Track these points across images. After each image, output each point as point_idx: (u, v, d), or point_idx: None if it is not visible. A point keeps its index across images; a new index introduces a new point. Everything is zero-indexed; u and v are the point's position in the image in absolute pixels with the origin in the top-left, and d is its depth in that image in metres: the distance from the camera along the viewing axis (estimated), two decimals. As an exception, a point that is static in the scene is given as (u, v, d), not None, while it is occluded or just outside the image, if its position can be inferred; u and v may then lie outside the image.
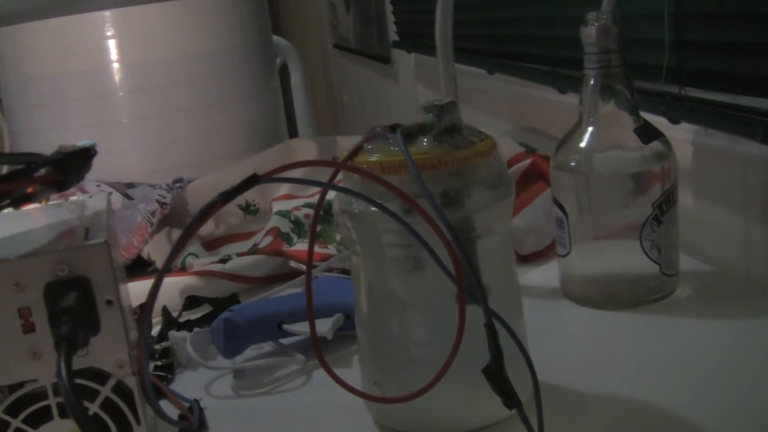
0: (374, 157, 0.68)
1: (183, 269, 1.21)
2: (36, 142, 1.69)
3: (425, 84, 2.61)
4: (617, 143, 0.94)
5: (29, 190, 0.62)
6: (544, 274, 1.06)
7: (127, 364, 0.62)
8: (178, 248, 0.59)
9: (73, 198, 0.76)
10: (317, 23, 4.63)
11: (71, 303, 0.58)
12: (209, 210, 0.59)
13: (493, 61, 1.77)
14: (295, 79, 2.33)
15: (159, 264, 1.25)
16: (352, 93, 4.12)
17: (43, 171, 0.63)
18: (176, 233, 1.31)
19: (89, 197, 0.77)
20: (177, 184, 1.36)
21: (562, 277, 0.99)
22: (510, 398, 0.59)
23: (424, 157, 0.66)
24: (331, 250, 1.18)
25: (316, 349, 0.70)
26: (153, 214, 1.30)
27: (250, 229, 1.36)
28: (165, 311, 1.00)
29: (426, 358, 0.70)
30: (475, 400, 0.71)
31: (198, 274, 1.13)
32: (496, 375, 0.59)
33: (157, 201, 1.31)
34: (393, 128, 0.68)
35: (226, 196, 0.59)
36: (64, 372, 0.53)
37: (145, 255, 1.26)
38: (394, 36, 2.77)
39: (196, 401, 0.83)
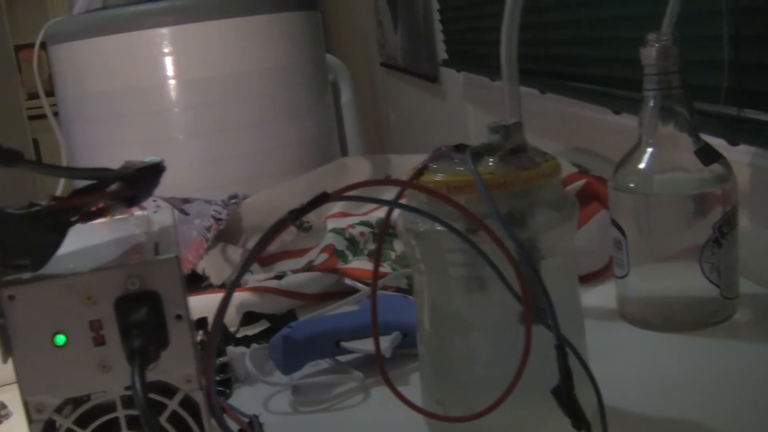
0: (439, 177, 0.68)
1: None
2: (92, 156, 1.71)
3: (474, 103, 2.61)
4: (677, 165, 0.94)
5: (100, 204, 0.63)
6: (601, 296, 1.05)
7: (194, 379, 0.63)
8: (248, 263, 0.60)
9: (138, 213, 0.77)
10: (364, 41, 4.65)
11: (143, 317, 0.59)
12: (279, 227, 0.60)
13: (545, 81, 1.77)
14: (346, 97, 2.34)
15: (213, 280, 1.26)
16: (399, 111, 4.12)
17: (114, 186, 0.63)
18: (231, 249, 1.32)
19: (154, 212, 0.78)
20: (232, 200, 1.37)
21: (619, 298, 0.99)
22: (579, 420, 0.59)
23: (490, 177, 0.66)
24: (386, 268, 1.19)
25: (381, 366, 0.70)
26: (208, 229, 1.31)
27: (304, 246, 1.37)
28: (223, 327, 1.01)
29: (489, 377, 0.71)
30: (538, 421, 0.71)
31: (254, 290, 1.14)
32: (565, 396, 0.59)
33: (212, 216, 1.32)
34: (458, 148, 0.69)
35: (296, 214, 0.60)
36: (138, 385, 0.54)
37: (199, 270, 1.27)
38: (443, 54, 2.77)
39: (256, 416, 0.83)
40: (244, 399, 0.90)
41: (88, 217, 0.62)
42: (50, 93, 1.84)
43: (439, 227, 0.67)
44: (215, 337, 0.61)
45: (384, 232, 0.68)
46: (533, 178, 0.67)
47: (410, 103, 3.75)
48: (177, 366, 0.62)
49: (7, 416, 0.95)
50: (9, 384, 1.03)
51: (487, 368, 0.71)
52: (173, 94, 1.64)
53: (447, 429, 0.74)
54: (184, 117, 1.65)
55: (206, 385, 0.63)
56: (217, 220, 1.32)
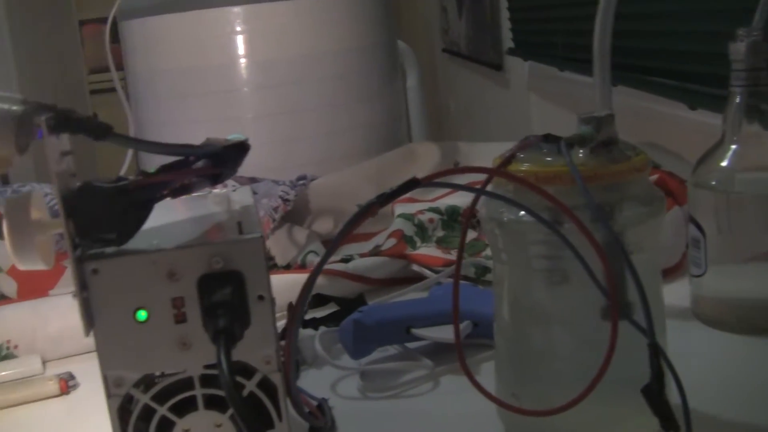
0: (526, 166, 0.67)
1: (303, 266, 1.22)
2: (161, 133, 1.71)
3: (539, 93, 2.59)
4: (761, 164, 0.92)
5: (186, 181, 0.63)
6: (673, 293, 1.02)
7: (274, 361, 0.63)
8: (336, 245, 0.60)
9: (216, 191, 0.77)
10: (427, 27, 4.63)
11: (228, 296, 0.59)
12: (367, 211, 0.59)
13: (618, 74, 1.74)
14: (411, 81, 2.33)
15: (278, 260, 1.25)
16: (459, 99, 4.10)
17: (200, 163, 0.63)
18: (297, 230, 1.32)
19: (233, 190, 0.78)
20: (300, 182, 1.37)
21: (693, 297, 0.97)
22: (669, 421, 0.58)
23: (580, 170, 0.64)
24: (453, 256, 1.18)
25: (460, 355, 0.69)
26: (276, 210, 1.30)
27: (370, 231, 1.36)
28: (291, 308, 1.00)
29: (568, 372, 0.69)
30: (616, 419, 0.70)
31: (321, 272, 1.13)
32: (656, 396, 0.58)
33: (280, 197, 1.32)
34: (546, 138, 0.68)
35: (385, 198, 0.59)
36: (225, 365, 0.54)
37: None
38: (509, 43, 2.75)
39: (325, 400, 0.83)
40: (312, 382, 0.90)
41: (173, 193, 0.62)
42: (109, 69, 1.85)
43: (524, 217, 0.66)
44: (299, 320, 0.61)
45: (469, 219, 0.67)
46: (624, 172, 0.66)
47: (471, 91, 3.73)
48: (257, 347, 0.62)
49: (74, 387, 0.96)
50: (76, 354, 1.04)
51: (567, 363, 0.70)
52: (244, 73, 1.64)
53: (521, 423, 0.73)
54: (253, 97, 1.65)
55: (286, 367, 0.63)
56: (285, 200, 1.32)
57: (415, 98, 2.42)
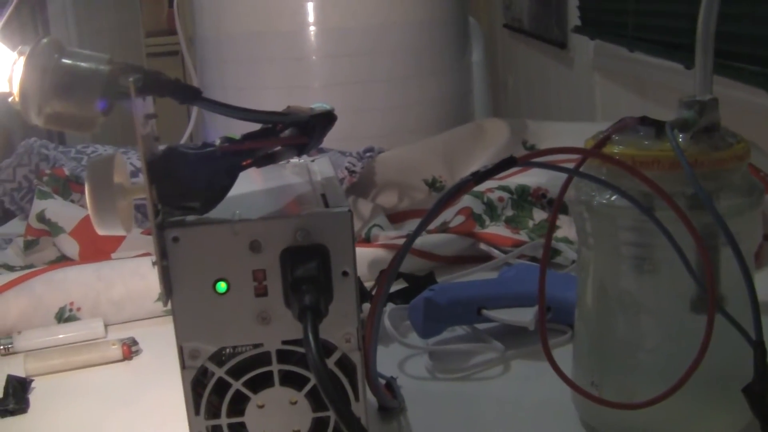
0: (620, 149, 0.64)
1: (367, 240, 1.20)
2: (225, 99, 1.69)
3: (604, 73, 2.55)
4: None
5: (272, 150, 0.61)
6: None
7: (354, 339, 0.61)
8: (427, 221, 0.57)
9: (294, 161, 0.75)
10: (488, 1, 4.59)
11: (313, 272, 0.57)
12: (462, 187, 0.57)
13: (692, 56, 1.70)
14: (477, 56, 2.30)
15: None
16: (519, 76, 4.06)
17: (287, 132, 0.61)
18: (362, 203, 1.30)
19: (312, 161, 0.76)
20: (368, 154, 1.35)
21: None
22: (770, 423, 0.55)
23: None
24: (523, 236, 1.15)
25: (544, 340, 0.66)
26: (342, 181, 1.28)
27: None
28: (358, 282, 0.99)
29: (652, 364, 0.67)
30: (701, 416, 0.68)
31: (386, 246, 1.12)
32: (759, 397, 0.55)
33: (346, 168, 1.30)
34: (643, 120, 0.65)
35: (480, 176, 0.57)
36: (313, 343, 0.52)
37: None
38: (575, 20, 2.70)
39: (393, 378, 0.81)
40: (379, 359, 0.87)
41: (258, 162, 0.60)
42: (169, 32, 1.83)
43: (615, 202, 0.64)
44: (384, 297, 0.59)
45: (561, 200, 0.64)
46: (725, 159, 0.63)
47: (532, 68, 3.69)
48: (338, 324, 0.60)
49: (137, 353, 0.95)
50: (138, 320, 1.03)
51: (652, 355, 0.67)
52: (313, 41, 1.62)
53: (599, 413, 0.70)
54: (322, 65, 1.63)
55: (366, 346, 0.61)
56: (351, 172, 1.30)
57: (479, 74, 2.39)
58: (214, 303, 0.59)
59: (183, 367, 0.60)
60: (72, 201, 1.28)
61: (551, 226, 0.67)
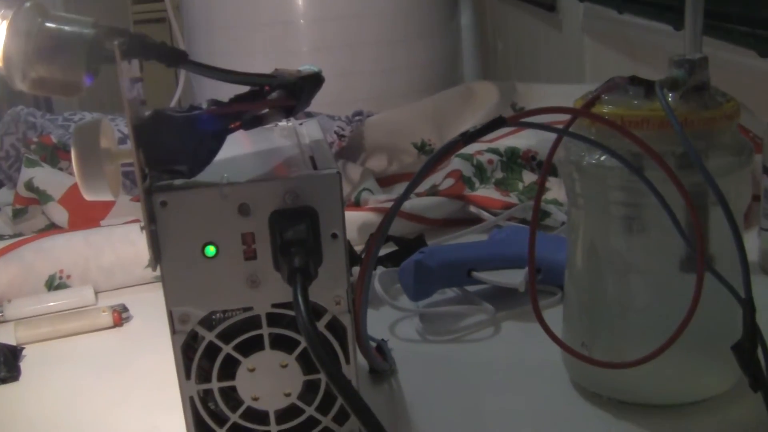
0: (609, 109, 0.64)
1: (357, 204, 1.20)
2: (215, 64, 1.68)
3: (593, 35, 2.53)
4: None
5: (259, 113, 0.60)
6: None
7: (344, 301, 0.61)
8: (414, 184, 0.57)
9: (282, 123, 0.74)
10: (476, -35, 4.56)
11: (302, 234, 0.57)
12: (450, 149, 0.56)
13: (680, 18, 1.69)
14: (465, 19, 2.29)
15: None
16: (508, 40, 4.04)
17: (275, 94, 0.61)
18: (351, 167, 1.30)
19: (300, 124, 0.75)
20: (356, 118, 1.34)
21: (762, 251, 0.94)
22: (758, 380, 0.55)
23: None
24: (512, 198, 1.15)
25: (534, 301, 0.66)
26: (330, 146, 1.28)
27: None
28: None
29: (642, 324, 0.67)
30: (692, 374, 0.68)
31: (376, 210, 1.11)
32: (748, 354, 0.55)
33: (335, 133, 1.30)
34: (632, 80, 0.65)
35: (469, 137, 0.56)
36: (302, 305, 0.52)
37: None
38: (564, -17, 2.69)
39: (384, 341, 0.81)
40: (370, 322, 0.87)
41: (246, 125, 0.59)
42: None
43: (605, 162, 0.64)
44: (372, 260, 0.58)
45: (550, 161, 0.64)
46: (715, 119, 0.63)
47: (521, 32, 3.67)
48: (327, 287, 0.60)
49: (128, 319, 0.95)
50: (128, 286, 1.03)
51: (642, 315, 0.67)
52: (301, 4, 1.60)
53: (590, 373, 0.70)
54: (310, 29, 1.62)
55: (356, 308, 0.61)
56: (340, 136, 1.30)
57: (468, 37, 2.38)
58: (203, 267, 0.59)
59: (173, 332, 0.60)
60: (60, 169, 1.28)
61: (540, 187, 0.66)
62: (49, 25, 0.58)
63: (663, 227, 0.62)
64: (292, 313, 0.59)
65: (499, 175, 1.21)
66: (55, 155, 1.29)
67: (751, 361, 0.56)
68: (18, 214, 1.22)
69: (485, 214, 1.13)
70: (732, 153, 0.64)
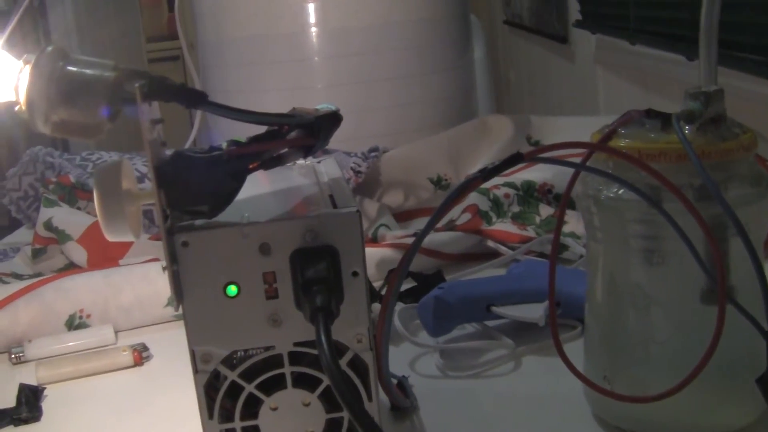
0: (626, 142, 0.64)
1: (374, 240, 1.20)
2: (230, 102, 1.68)
3: (606, 66, 2.54)
4: None
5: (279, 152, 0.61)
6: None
7: (366, 339, 0.61)
8: (435, 220, 0.57)
9: (301, 162, 0.75)
10: (487, -1, 4.59)
11: (323, 273, 0.57)
12: (469, 185, 0.57)
13: (695, 48, 1.70)
14: (478, 53, 2.30)
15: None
16: (520, 72, 4.06)
17: (294, 134, 0.61)
18: (368, 203, 1.30)
19: (318, 162, 0.76)
20: (372, 154, 1.35)
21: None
22: (784, 413, 0.55)
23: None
24: (530, 232, 1.15)
25: (554, 335, 0.67)
26: (348, 182, 1.28)
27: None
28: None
29: (664, 356, 0.67)
30: (714, 408, 0.68)
31: (394, 246, 1.12)
32: (773, 387, 0.55)
33: (351, 169, 1.30)
34: (648, 113, 0.65)
35: (488, 173, 0.57)
36: (326, 344, 0.52)
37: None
38: (576, 15, 2.70)
39: (405, 377, 0.81)
40: (390, 358, 0.87)
41: (266, 164, 0.60)
42: (170, 37, 1.84)
43: (623, 195, 0.64)
44: (394, 296, 0.59)
45: (568, 195, 0.64)
46: (732, 150, 0.63)
47: (534, 64, 3.68)
48: (349, 325, 0.60)
49: (148, 358, 0.95)
50: (148, 325, 1.03)
51: (664, 347, 0.67)
52: (315, 42, 1.61)
53: (612, 407, 0.70)
54: (324, 66, 1.63)
55: (378, 345, 0.61)
56: (357, 172, 1.30)
57: (481, 70, 2.39)
58: (225, 306, 0.59)
59: (195, 371, 0.60)
60: (78, 208, 1.29)
61: (559, 221, 0.67)
62: (70, 68, 0.59)
63: (683, 259, 0.62)
64: (314, 351, 0.59)
65: (515, 208, 1.21)
66: (73, 195, 1.30)
67: (776, 393, 0.56)
68: (37, 254, 1.23)
69: (503, 249, 1.13)
70: (750, 184, 0.64)
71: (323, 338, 0.53)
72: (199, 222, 0.59)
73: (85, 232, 1.20)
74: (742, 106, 1.56)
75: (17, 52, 0.63)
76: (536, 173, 1.25)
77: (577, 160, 0.65)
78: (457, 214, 1.19)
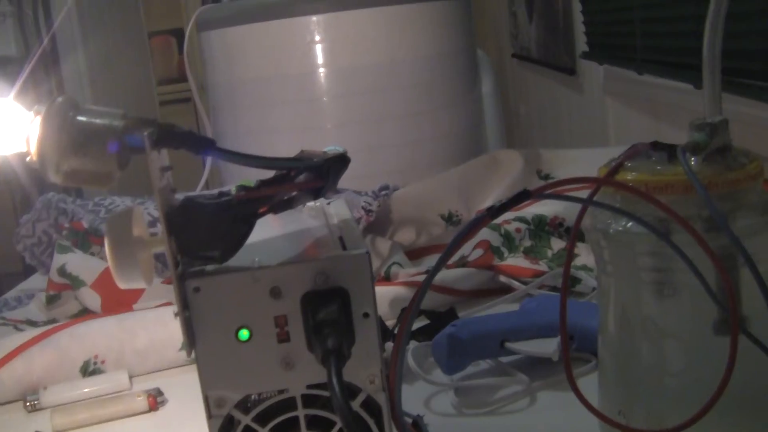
0: (633, 175, 0.64)
1: (387, 278, 1.20)
2: (240, 143, 1.71)
3: (615, 97, 2.55)
4: None
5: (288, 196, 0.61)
6: None
7: (378, 380, 0.61)
8: (445, 258, 0.57)
9: (310, 204, 0.75)
10: (495, 32, 4.61)
11: (334, 315, 0.57)
12: (478, 224, 0.57)
13: (700, 75, 1.70)
14: (486, 87, 2.31)
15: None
16: (530, 104, 4.07)
17: (302, 177, 0.61)
18: (380, 241, 1.30)
19: (328, 203, 0.76)
20: (383, 192, 1.35)
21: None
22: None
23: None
24: (542, 266, 1.15)
25: (568, 370, 0.66)
26: (359, 221, 1.29)
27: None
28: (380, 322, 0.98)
29: (679, 389, 0.67)
30: (733, 438, 0.67)
31: (406, 284, 1.12)
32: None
33: (363, 208, 1.31)
34: (654, 145, 0.65)
35: (495, 211, 0.57)
36: (337, 387, 0.52)
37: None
38: (582, 46, 2.71)
39: (420, 416, 0.81)
40: (405, 397, 0.87)
41: (275, 208, 0.60)
42: (180, 80, 1.85)
43: (632, 228, 0.64)
44: (406, 335, 0.59)
45: (577, 230, 0.65)
46: (739, 180, 0.63)
47: (543, 96, 3.69)
48: (361, 366, 0.60)
49: (163, 403, 0.95)
50: (163, 369, 1.03)
51: (678, 379, 0.67)
52: (324, 82, 1.63)
53: (629, 441, 0.70)
54: (334, 106, 1.64)
55: (390, 386, 0.61)
56: (368, 211, 1.31)
57: (490, 105, 2.40)
58: (237, 351, 0.59)
59: (209, 416, 0.61)
60: (92, 254, 1.29)
61: (569, 255, 0.67)
62: (80, 118, 0.59)
63: (694, 291, 0.62)
64: (327, 393, 0.59)
65: (527, 243, 1.21)
66: (86, 240, 1.31)
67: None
68: (52, 300, 1.24)
69: (516, 284, 1.13)
70: (759, 213, 0.64)
71: (335, 380, 0.53)
72: (210, 267, 0.59)
73: (98, 277, 1.21)
74: (751, 132, 1.56)
75: (29, 100, 0.64)
76: (547, 207, 1.25)
77: (586, 193, 0.65)
78: (469, 250, 1.19)
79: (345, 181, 1.37)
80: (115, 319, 1.06)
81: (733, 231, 0.63)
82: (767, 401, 0.60)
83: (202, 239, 0.57)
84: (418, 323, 1.01)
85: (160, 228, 0.56)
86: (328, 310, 0.57)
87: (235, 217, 0.58)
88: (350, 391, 0.60)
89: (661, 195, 0.62)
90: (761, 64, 1.45)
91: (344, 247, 0.62)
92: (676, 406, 0.66)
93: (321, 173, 0.62)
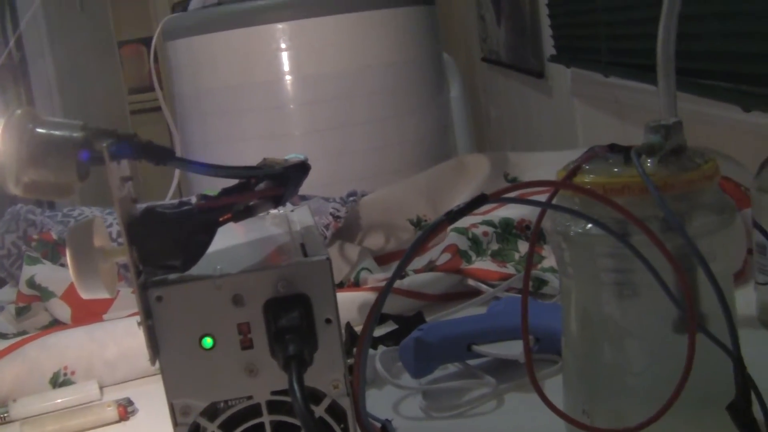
0: (591, 178, 0.65)
1: (356, 284, 1.21)
2: (207, 152, 1.71)
3: (583, 99, 2.57)
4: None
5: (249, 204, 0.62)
6: (737, 301, 1.01)
7: (342, 385, 0.61)
8: (404, 264, 0.58)
9: (274, 212, 0.76)
10: (464, 36, 4.62)
11: (296, 321, 0.58)
12: (435, 228, 0.57)
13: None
14: (455, 92, 2.31)
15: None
16: (500, 108, 4.08)
17: (262, 185, 0.62)
18: (348, 247, 1.31)
19: (291, 211, 0.76)
20: (351, 198, 1.36)
21: (760, 304, 0.95)
22: (755, 438, 0.56)
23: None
24: (509, 269, 1.16)
25: (530, 372, 0.67)
26: (327, 227, 1.29)
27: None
28: (348, 327, 0.99)
29: (641, 388, 0.68)
30: (694, 434, 0.68)
31: (375, 290, 1.12)
32: (743, 413, 0.56)
33: (331, 214, 1.31)
34: (612, 148, 0.66)
35: (454, 215, 0.58)
36: (298, 392, 0.52)
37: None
38: (550, 50, 2.73)
39: (389, 421, 0.81)
40: (373, 402, 0.88)
41: (236, 216, 0.61)
42: (152, 89, 1.85)
43: (591, 230, 0.65)
44: (368, 342, 0.59)
45: (537, 233, 0.65)
46: (694, 180, 0.64)
47: (512, 100, 3.71)
48: (325, 371, 0.61)
49: (133, 413, 0.95)
50: (133, 379, 1.03)
51: (640, 378, 0.68)
52: (290, 89, 1.63)
53: (593, 440, 0.71)
54: (300, 113, 1.65)
55: (355, 390, 0.61)
56: (336, 217, 1.31)
57: (459, 109, 2.40)
58: (201, 358, 0.60)
59: (175, 424, 0.61)
60: (62, 265, 1.29)
61: (529, 258, 0.67)
62: (39, 130, 0.59)
63: (654, 291, 0.63)
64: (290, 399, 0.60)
65: (495, 246, 1.22)
66: (56, 251, 1.30)
67: (746, 419, 0.56)
68: (21, 312, 1.23)
69: (483, 287, 1.13)
70: (714, 212, 0.65)
71: (296, 386, 0.53)
72: (172, 276, 0.59)
73: (68, 288, 1.21)
74: (714, 130, 1.58)
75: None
76: (514, 210, 1.26)
77: (546, 197, 0.66)
78: (437, 254, 1.20)
79: (313, 187, 1.38)
80: (85, 330, 1.06)
81: (690, 230, 0.64)
82: (727, 398, 0.61)
83: (163, 249, 0.58)
84: (387, 328, 1.01)
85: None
86: (289, 317, 0.58)
87: (195, 226, 0.58)
88: (315, 396, 0.61)
89: (618, 197, 0.63)
90: (720, 64, 1.46)
91: (305, 254, 0.62)
92: (639, 405, 0.67)
93: (281, 181, 0.62)
